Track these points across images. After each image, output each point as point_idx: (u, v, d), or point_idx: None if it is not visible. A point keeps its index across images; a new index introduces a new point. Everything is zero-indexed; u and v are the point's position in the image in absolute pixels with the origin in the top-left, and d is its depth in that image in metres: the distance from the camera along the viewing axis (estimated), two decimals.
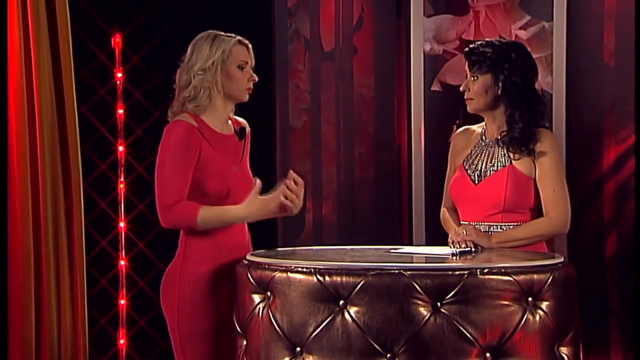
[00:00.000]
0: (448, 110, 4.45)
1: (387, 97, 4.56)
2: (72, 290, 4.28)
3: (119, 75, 4.51)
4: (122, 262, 4.52)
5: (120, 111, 4.52)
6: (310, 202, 4.54)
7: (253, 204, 3.06)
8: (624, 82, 4.31)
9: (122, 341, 4.51)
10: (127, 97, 4.54)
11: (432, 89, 4.47)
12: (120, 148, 4.52)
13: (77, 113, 4.29)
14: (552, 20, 4.35)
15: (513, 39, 4.31)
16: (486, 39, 3.41)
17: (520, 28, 4.41)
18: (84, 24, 4.44)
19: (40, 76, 4.19)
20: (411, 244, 4.36)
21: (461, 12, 4.46)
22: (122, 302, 4.51)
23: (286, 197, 3.06)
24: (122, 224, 4.51)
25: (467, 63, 3.32)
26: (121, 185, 4.52)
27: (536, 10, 4.39)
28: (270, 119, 4.46)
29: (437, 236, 4.33)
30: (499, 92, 3.25)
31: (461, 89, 3.34)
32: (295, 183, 3.09)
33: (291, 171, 3.12)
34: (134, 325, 4.54)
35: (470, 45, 3.35)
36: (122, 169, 4.52)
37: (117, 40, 4.50)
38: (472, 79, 3.29)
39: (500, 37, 4.36)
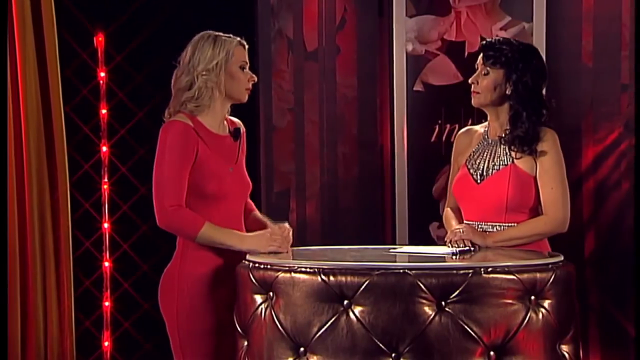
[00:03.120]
0: (430, 110, 4.48)
1: (370, 97, 4.58)
2: (58, 290, 4.24)
3: (102, 74, 4.47)
4: (107, 264, 4.48)
5: (104, 111, 4.48)
6: (294, 202, 4.54)
7: (257, 239, 3.07)
8: (602, 82, 4.37)
9: (106, 343, 4.48)
10: (111, 97, 4.50)
11: (414, 89, 4.49)
12: (104, 148, 4.48)
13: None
14: (531, 21, 4.39)
15: None
16: (503, 37, 3.43)
17: (501, 29, 4.45)
18: (66, 23, 4.39)
19: (25, 76, 4.14)
20: (394, 244, 4.37)
21: (443, 13, 4.48)
22: (107, 303, 4.47)
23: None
24: (106, 225, 4.47)
25: (481, 56, 3.31)
26: (105, 186, 4.48)
27: (516, 11, 4.43)
28: (253, 119, 4.45)
29: (420, 236, 4.37)
30: (508, 91, 3.26)
31: (470, 81, 3.33)
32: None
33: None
34: (118, 327, 4.50)
35: (488, 39, 3.34)
36: (105, 169, 4.48)
37: (99, 40, 4.46)
38: (483, 72, 3.29)
39: (482, 37, 4.40)
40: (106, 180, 4.49)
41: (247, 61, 3.20)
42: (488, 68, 3.28)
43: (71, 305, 4.26)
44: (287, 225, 3.14)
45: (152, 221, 4.41)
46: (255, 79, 3.21)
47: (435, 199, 4.45)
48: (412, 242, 4.32)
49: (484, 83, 3.28)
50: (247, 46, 3.22)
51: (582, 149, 4.40)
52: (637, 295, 4.05)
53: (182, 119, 3.12)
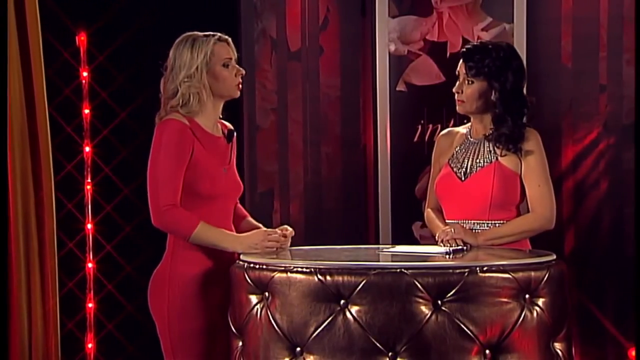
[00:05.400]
0: (413, 110, 4.51)
1: (353, 97, 4.59)
2: (42, 291, 4.19)
3: (85, 74, 4.43)
4: (90, 265, 4.44)
5: (86, 111, 4.44)
6: (278, 203, 4.54)
7: (253, 238, 3.06)
8: (581, 83, 4.42)
9: (90, 345, 4.44)
10: (93, 97, 4.46)
11: (397, 89, 4.50)
12: (87, 149, 4.44)
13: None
14: (512, 22, 4.43)
15: (475, 40, 4.38)
16: (481, 41, 3.44)
17: (482, 29, 4.48)
18: (48, 22, 4.33)
19: (9, 76, 4.10)
20: (377, 243, 4.40)
21: (425, 13, 4.50)
22: (90, 305, 4.44)
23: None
24: (89, 226, 4.44)
25: (462, 65, 3.33)
26: (88, 187, 4.44)
27: (497, 12, 4.46)
28: (237, 119, 4.42)
29: (403, 235, 4.40)
30: (493, 97, 3.29)
31: (454, 90, 3.35)
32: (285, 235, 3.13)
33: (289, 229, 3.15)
34: (102, 329, 4.47)
35: (467, 47, 3.35)
36: (88, 170, 4.44)
37: (82, 39, 4.43)
38: (467, 82, 3.31)
39: (464, 38, 4.44)
40: (89, 180, 4.45)
41: (232, 56, 3.14)
42: (471, 78, 3.29)
43: (56, 306, 4.22)
44: (288, 227, 3.14)
45: (136, 222, 4.45)
46: (243, 72, 3.16)
47: (418, 199, 4.47)
48: (395, 242, 4.34)
49: (469, 92, 3.31)
50: (229, 39, 3.15)
51: (561, 149, 4.44)
52: (636, 302, 4.07)
53: (178, 117, 3.10)
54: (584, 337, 4.44)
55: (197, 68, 3.08)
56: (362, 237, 4.52)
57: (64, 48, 4.43)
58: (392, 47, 4.50)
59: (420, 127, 4.50)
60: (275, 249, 3.07)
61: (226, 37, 3.16)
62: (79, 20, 4.43)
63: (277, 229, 3.13)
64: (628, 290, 4.28)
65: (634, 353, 4.31)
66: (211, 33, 3.14)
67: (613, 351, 4.40)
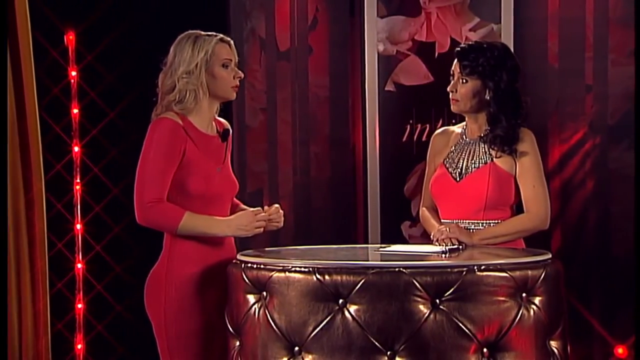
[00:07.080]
0: (402, 110, 4.52)
1: (342, 97, 4.60)
2: (33, 291, 4.17)
3: (73, 74, 4.41)
4: (79, 265, 4.42)
5: (75, 111, 4.42)
6: (267, 202, 4.53)
7: (242, 219, 3.06)
8: (567, 83, 4.45)
9: (79, 346, 4.42)
10: (82, 97, 4.44)
11: (386, 89, 4.52)
12: (76, 149, 4.42)
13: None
14: (500, 22, 4.45)
15: (463, 40, 4.40)
16: (475, 41, 3.45)
17: (470, 30, 4.50)
18: (37, 21, 4.32)
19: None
20: (366, 243, 4.41)
21: (413, 14, 4.52)
22: (80, 306, 4.41)
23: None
24: (78, 227, 4.42)
25: (457, 64, 3.34)
26: (77, 187, 4.42)
27: (485, 12, 4.48)
28: (226, 119, 4.41)
29: (392, 235, 4.41)
30: (487, 96, 3.30)
31: (448, 89, 3.36)
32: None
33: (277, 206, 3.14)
34: (91, 330, 4.45)
35: (462, 46, 3.36)
36: (77, 170, 4.42)
37: (70, 38, 4.40)
38: (461, 81, 3.33)
39: (452, 38, 4.46)
40: (78, 180, 4.43)
41: (232, 58, 3.15)
42: (465, 77, 3.31)
43: (46, 307, 4.20)
44: (276, 205, 3.15)
45: (125, 222, 4.43)
46: (242, 75, 3.17)
47: (406, 198, 4.49)
48: (383, 241, 4.35)
49: (463, 91, 3.32)
50: (231, 42, 3.16)
51: (548, 149, 4.46)
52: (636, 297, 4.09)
53: (172, 116, 3.09)
54: (571, 335, 4.44)
55: (196, 65, 3.08)
56: (351, 236, 4.53)
57: (52, 47, 4.41)
58: (381, 47, 4.51)
59: (409, 127, 4.51)
60: (264, 227, 3.07)
61: (228, 39, 3.18)
62: (68, 20, 4.41)
63: (267, 207, 3.11)
64: (614, 289, 4.32)
65: (620, 351, 4.35)
66: (214, 33, 3.15)
67: (599, 350, 4.43)
